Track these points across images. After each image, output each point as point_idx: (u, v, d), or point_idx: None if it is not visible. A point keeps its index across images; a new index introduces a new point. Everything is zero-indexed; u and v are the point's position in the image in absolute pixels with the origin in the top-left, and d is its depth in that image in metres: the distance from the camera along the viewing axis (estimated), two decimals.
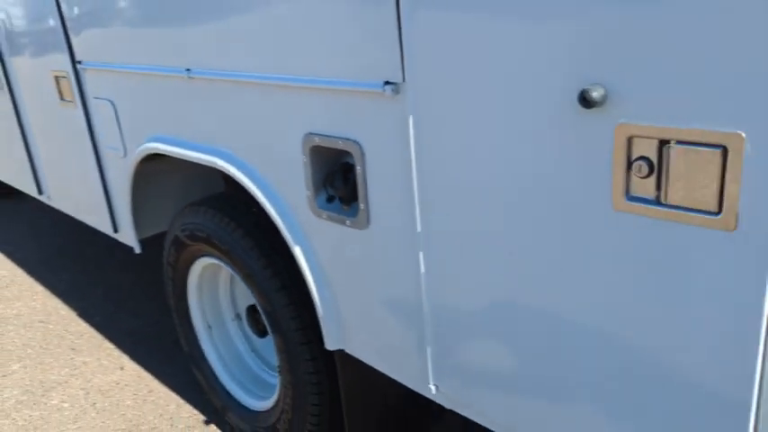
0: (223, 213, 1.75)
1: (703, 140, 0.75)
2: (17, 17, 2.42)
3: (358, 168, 1.23)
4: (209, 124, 1.61)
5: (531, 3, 0.86)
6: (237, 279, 2.01)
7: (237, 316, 2.14)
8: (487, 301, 1.10)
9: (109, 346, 2.67)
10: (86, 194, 2.40)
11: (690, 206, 0.78)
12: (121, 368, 2.50)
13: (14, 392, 2.42)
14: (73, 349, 2.67)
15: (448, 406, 1.28)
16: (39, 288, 3.24)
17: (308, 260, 1.45)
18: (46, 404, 2.33)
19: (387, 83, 1.10)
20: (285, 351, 1.68)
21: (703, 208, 0.77)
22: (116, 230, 2.32)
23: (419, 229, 1.16)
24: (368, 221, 1.27)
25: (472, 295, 1.12)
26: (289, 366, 1.69)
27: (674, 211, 0.80)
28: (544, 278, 0.98)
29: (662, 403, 0.90)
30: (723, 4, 0.69)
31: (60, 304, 3.05)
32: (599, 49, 0.81)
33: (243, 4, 1.36)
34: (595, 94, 0.81)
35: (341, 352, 1.51)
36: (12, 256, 3.66)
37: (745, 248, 0.75)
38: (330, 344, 1.49)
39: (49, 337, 2.77)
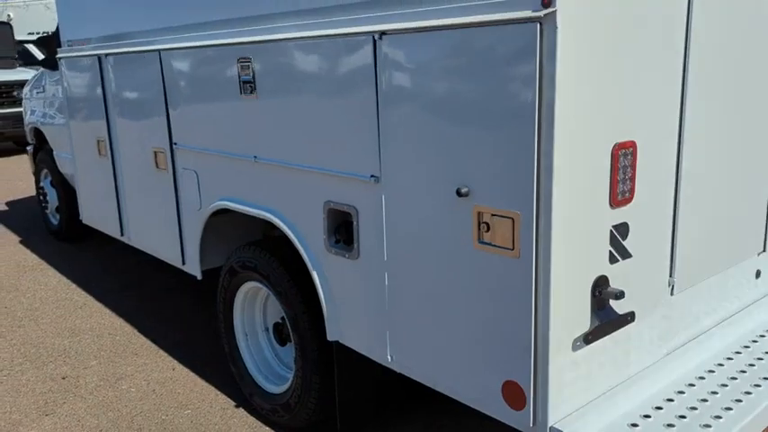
0: (266, 251, 2.62)
1: (505, 215, 1.62)
2: (129, 109, 3.40)
3: (354, 223, 2.11)
4: (264, 191, 2.51)
5: (433, 144, 1.76)
6: (270, 300, 2.86)
7: (266, 329, 2.97)
8: (413, 304, 1.94)
9: (163, 353, 3.49)
10: (163, 235, 3.30)
11: (501, 245, 1.64)
12: (173, 369, 3.32)
13: (93, 379, 3.24)
14: (135, 354, 3.50)
15: (398, 370, 2.10)
16: (107, 311, 4.10)
17: (320, 281, 2.31)
18: (118, 388, 3.15)
19: (372, 176, 1.99)
20: (300, 344, 2.52)
21: (506, 246, 1.63)
22: (183, 263, 3.20)
23: (385, 258, 2.02)
24: (359, 255, 2.13)
25: (408, 300, 1.97)
26: (302, 355, 2.52)
27: (496, 247, 1.66)
28: (437, 287, 1.84)
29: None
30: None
31: (124, 323, 3.90)
32: (467, 168, 1.69)
33: (291, 121, 2.28)
34: (464, 190, 1.69)
35: (337, 342, 2.34)
36: (85, 286, 4.54)
37: (522, 266, 1.61)
38: (330, 336, 2.33)
39: (117, 345, 3.61)
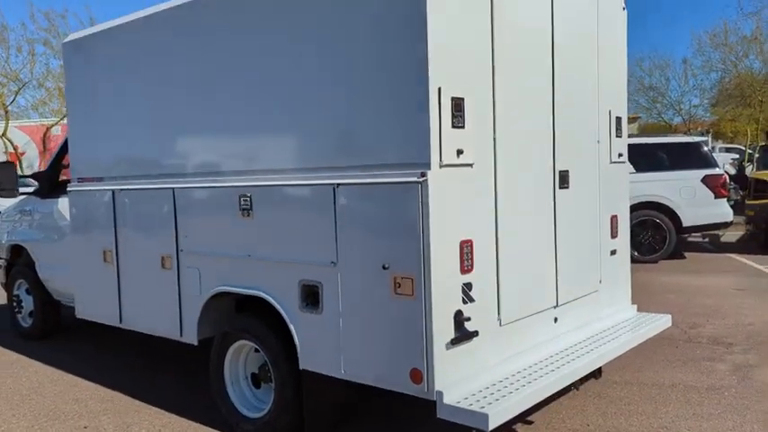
0: (255, 317, 4.00)
1: (407, 277, 3.16)
2: (138, 227, 4.74)
3: (320, 291, 3.57)
4: (254, 277, 3.93)
5: (366, 243, 3.31)
6: (250, 356, 4.18)
7: (246, 377, 4.26)
8: (356, 336, 3.40)
9: (161, 408, 4.64)
10: (163, 317, 4.56)
11: (406, 294, 3.17)
12: (172, 416, 4.48)
13: (110, 427, 4.34)
14: (137, 410, 4.62)
15: (348, 378, 3.50)
16: (102, 382, 5.16)
17: (296, 330, 3.71)
18: (127, 426, 4.27)
19: (332, 262, 3.50)
20: (279, 377, 3.85)
21: (408, 294, 3.16)
22: (181, 335, 4.47)
23: (340, 310, 3.48)
24: (323, 311, 3.58)
25: (352, 334, 3.42)
26: (280, 385, 3.85)
27: (403, 295, 3.18)
28: (372, 322, 3.32)
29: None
30: None
31: (120, 389, 4.99)
32: (387, 255, 3.24)
33: (277, 231, 3.76)
34: (387, 266, 3.23)
35: (305, 370, 3.71)
36: (72, 368, 5.55)
37: (418, 305, 3.14)
38: (302, 365, 3.70)
39: (120, 405, 4.70)
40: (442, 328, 3.19)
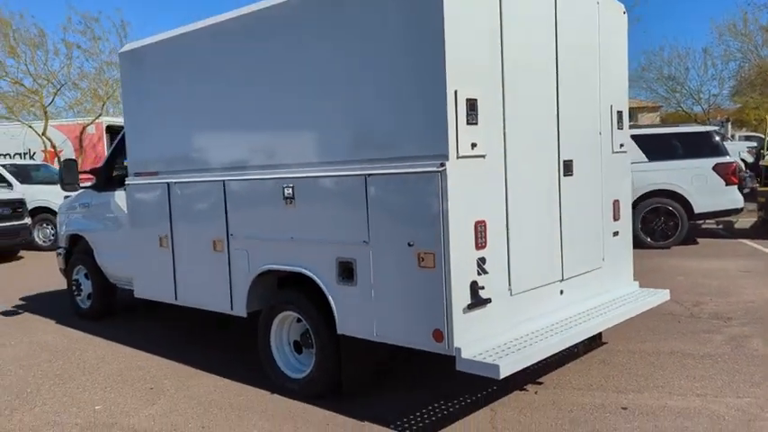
0: (299, 291, 4.61)
1: (430, 252, 3.74)
2: (192, 215, 5.37)
3: (354, 267, 4.16)
4: (296, 257, 4.53)
5: (395, 224, 3.89)
6: (292, 326, 4.79)
7: (289, 344, 4.87)
8: (387, 302, 3.98)
9: (217, 372, 5.28)
10: (215, 294, 5.19)
11: (428, 266, 3.74)
12: (224, 379, 5.11)
13: (172, 384, 4.98)
14: (193, 376, 5.26)
15: (379, 339, 4.08)
16: (162, 352, 5.82)
17: (333, 301, 4.31)
18: (191, 389, 4.90)
19: (364, 241, 4.08)
20: (319, 343, 4.46)
21: (430, 266, 3.74)
22: (232, 309, 5.10)
23: (371, 282, 4.07)
24: (356, 284, 4.16)
25: (384, 301, 4.00)
26: (320, 350, 4.45)
27: (426, 268, 3.76)
28: (400, 291, 3.89)
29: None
30: None
31: (178, 356, 5.63)
32: (413, 235, 3.82)
33: (317, 216, 4.35)
34: (412, 243, 3.80)
35: (342, 334, 4.31)
36: (128, 341, 6.23)
37: (438, 275, 3.71)
38: (340, 330, 4.29)
39: (180, 369, 5.35)
40: (460, 296, 3.76)
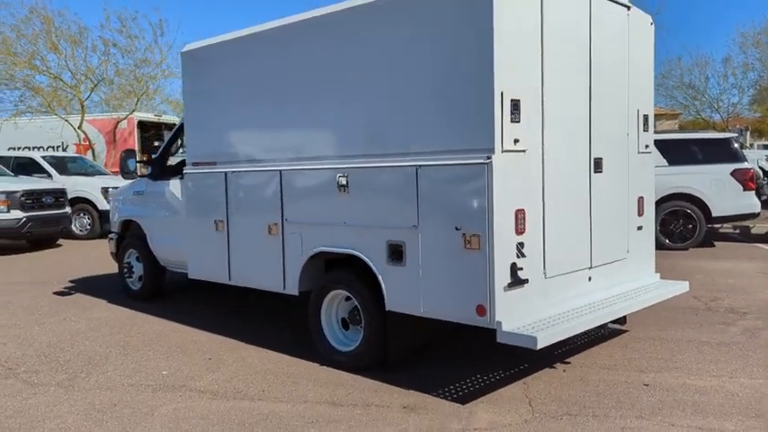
0: (349, 272, 5.06)
1: (476, 234, 4.17)
2: (248, 201, 5.84)
3: (403, 250, 4.60)
4: (348, 240, 4.98)
5: (443, 210, 4.33)
6: (341, 304, 5.24)
7: (338, 321, 5.32)
8: (434, 281, 4.42)
9: (269, 348, 5.74)
10: (269, 274, 5.65)
11: (474, 248, 4.18)
12: (270, 353, 5.56)
13: (230, 358, 5.45)
14: (243, 349, 5.72)
15: (425, 315, 4.52)
16: (216, 328, 6.29)
17: (383, 280, 4.75)
18: (246, 360, 5.37)
19: (413, 225, 4.52)
20: (368, 319, 4.90)
21: (476, 248, 4.17)
22: (284, 288, 5.56)
23: (420, 263, 4.51)
24: (406, 265, 4.61)
25: (431, 279, 4.44)
26: (369, 324, 4.90)
27: (472, 249, 4.19)
28: (447, 270, 4.33)
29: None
30: None
31: (230, 334, 6.10)
32: (460, 219, 4.26)
33: (369, 203, 4.80)
34: (459, 227, 4.24)
35: (390, 311, 4.75)
36: (183, 319, 6.71)
37: (483, 256, 4.14)
38: (388, 307, 4.73)
39: (232, 345, 5.81)
40: (501, 275, 4.19)
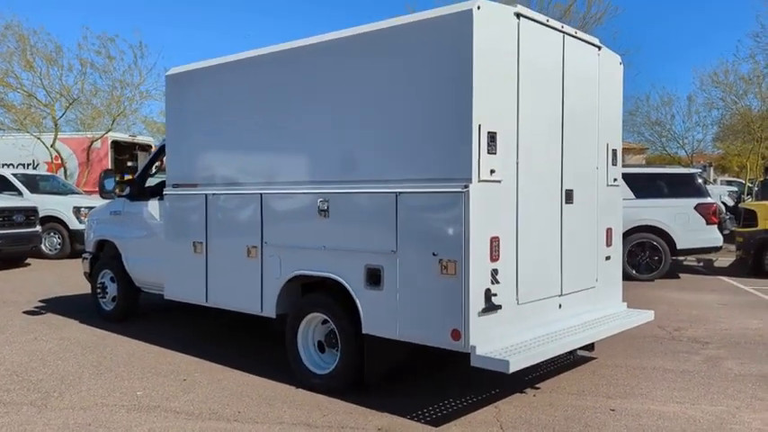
0: (327, 295, 5.15)
1: (452, 260, 4.32)
2: (227, 224, 5.92)
3: (381, 274, 4.72)
4: (327, 263, 5.08)
5: (420, 236, 4.47)
6: (317, 328, 5.32)
7: (314, 343, 5.39)
8: (410, 306, 4.54)
9: (246, 370, 5.77)
10: (246, 296, 5.71)
11: (451, 274, 4.32)
12: (250, 376, 5.61)
13: (204, 379, 5.47)
14: (219, 372, 5.75)
15: (402, 339, 4.63)
16: (190, 351, 6.30)
17: (361, 303, 4.86)
18: (221, 384, 5.40)
19: (392, 250, 4.65)
20: (344, 341, 4.99)
21: (453, 273, 4.31)
22: (262, 311, 5.62)
23: (397, 287, 4.63)
24: (383, 288, 4.72)
25: (408, 304, 4.56)
26: (345, 347, 4.99)
27: (448, 275, 4.33)
28: (423, 295, 4.47)
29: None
30: None
31: (205, 355, 6.12)
32: (436, 246, 4.41)
33: (349, 228, 4.92)
34: (436, 253, 4.39)
35: (367, 333, 4.85)
36: (156, 341, 6.70)
37: (459, 282, 4.28)
38: (365, 330, 4.83)
39: (213, 368, 5.84)
40: (476, 300, 4.33)
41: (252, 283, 5.68)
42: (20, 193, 14.61)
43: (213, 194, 6.06)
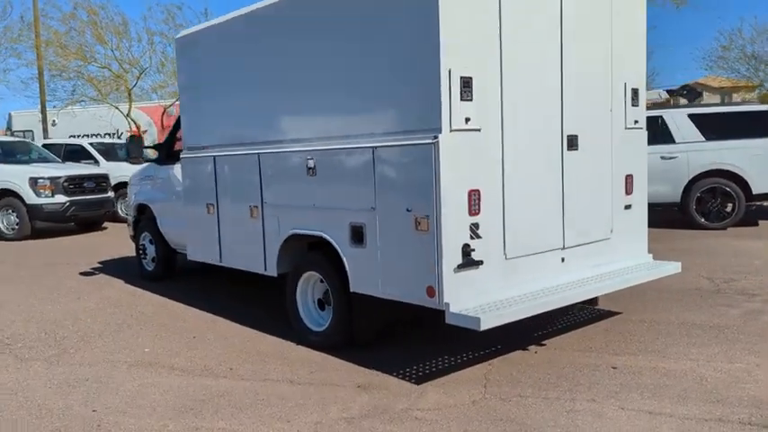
0: (320, 253, 5.11)
1: (425, 216, 4.14)
2: (233, 185, 5.96)
3: (363, 231, 4.61)
4: (317, 222, 5.02)
5: (397, 192, 4.31)
6: (316, 285, 5.30)
7: (314, 301, 5.39)
8: (391, 262, 4.42)
9: (254, 327, 5.88)
10: (252, 255, 5.77)
11: (424, 230, 4.15)
12: (253, 329, 5.70)
13: (213, 335, 5.62)
14: (242, 324, 5.88)
15: (384, 296, 4.53)
16: (208, 309, 6.50)
17: (347, 261, 4.78)
18: (257, 340, 5.52)
19: (372, 207, 4.52)
20: (336, 299, 4.95)
21: (425, 229, 4.14)
22: (265, 270, 5.67)
23: (378, 245, 4.51)
24: (366, 246, 4.62)
25: (388, 260, 4.44)
26: (337, 305, 4.95)
27: (421, 231, 4.17)
28: (401, 251, 4.32)
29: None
30: None
31: (220, 313, 6.29)
32: (411, 201, 4.23)
33: (334, 186, 4.82)
34: (410, 209, 4.22)
35: (354, 292, 4.78)
36: (184, 300, 6.96)
37: (431, 238, 4.11)
38: (352, 288, 4.76)
39: (229, 325, 6.00)
40: (451, 256, 4.15)
41: (256, 243, 5.73)
42: (96, 162, 15.43)
43: (220, 156, 6.12)
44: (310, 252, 5.29)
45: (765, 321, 5.50)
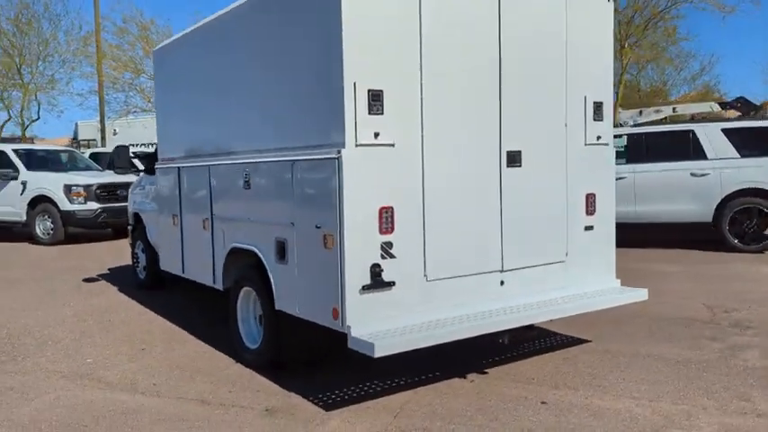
0: (252, 269, 5.00)
1: (331, 234, 3.96)
2: (192, 197, 5.95)
3: (286, 247, 4.46)
4: (251, 236, 4.92)
5: (309, 209, 4.14)
6: (257, 302, 5.19)
7: (255, 317, 5.27)
8: (303, 282, 4.25)
9: (198, 338, 5.82)
10: (204, 268, 5.73)
11: (330, 247, 3.97)
12: (201, 345, 5.63)
13: (159, 348, 5.59)
14: (171, 340, 5.84)
15: (299, 315, 4.36)
16: (173, 319, 6.49)
17: (273, 277, 4.64)
18: (180, 351, 5.48)
19: (291, 223, 4.37)
20: (267, 314, 4.81)
21: (330, 247, 3.96)
22: (214, 283, 5.60)
23: (296, 262, 4.36)
24: (287, 263, 4.47)
25: (301, 280, 4.27)
26: (267, 320, 4.81)
27: (328, 248, 3.98)
28: (311, 270, 4.15)
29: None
30: None
31: (193, 321, 6.27)
32: (321, 219, 4.06)
33: (263, 201, 4.70)
34: (320, 226, 4.04)
35: (279, 310, 4.63)
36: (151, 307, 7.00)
37: (335, 255, 3.92)
38: (277, 306, 4.62)
39: (174, 330, 5.97)
40: (356, 277, 3.94)
41: (207, 256, 5.68)
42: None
43: (182, 167, 6.12)
44: (247, 267, 5.19)
45: (743, 358, 4.98)
